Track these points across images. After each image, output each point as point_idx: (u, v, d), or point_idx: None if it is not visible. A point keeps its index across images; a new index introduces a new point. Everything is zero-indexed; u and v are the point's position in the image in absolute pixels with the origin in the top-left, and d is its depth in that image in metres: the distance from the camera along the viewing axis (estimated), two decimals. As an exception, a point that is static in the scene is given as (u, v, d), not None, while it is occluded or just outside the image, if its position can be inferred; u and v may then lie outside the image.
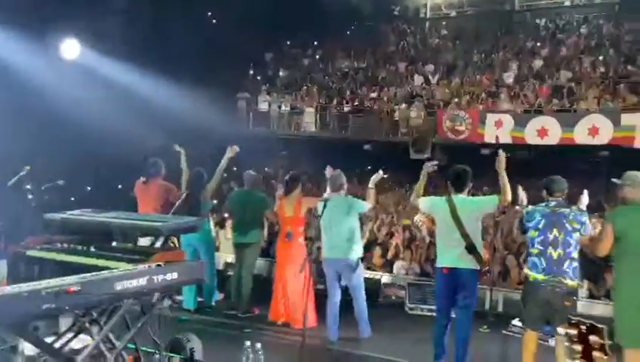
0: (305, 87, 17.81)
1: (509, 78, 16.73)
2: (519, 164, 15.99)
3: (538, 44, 18.21)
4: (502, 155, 4.32)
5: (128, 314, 3.03)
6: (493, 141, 15.01)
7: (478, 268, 4.38)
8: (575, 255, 3.96)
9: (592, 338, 1.28)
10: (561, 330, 1.38)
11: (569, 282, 3.92)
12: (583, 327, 1.28)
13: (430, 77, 17.80)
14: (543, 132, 14.49)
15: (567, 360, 1.33)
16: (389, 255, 8.19)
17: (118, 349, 2.90)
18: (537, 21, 19.96)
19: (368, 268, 8.04)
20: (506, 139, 14.86)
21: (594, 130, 13.91)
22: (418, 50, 19.82)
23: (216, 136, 6.09)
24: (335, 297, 5.11)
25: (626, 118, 13.68)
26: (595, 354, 1.25)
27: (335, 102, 16.95)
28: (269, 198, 6.06)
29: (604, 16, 18.86)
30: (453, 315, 4.50)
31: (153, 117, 12.13)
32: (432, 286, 6.15)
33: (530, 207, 4.27)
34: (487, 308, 6.41)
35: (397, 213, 11.77)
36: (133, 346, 3.24)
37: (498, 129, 15.02)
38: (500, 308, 6.47)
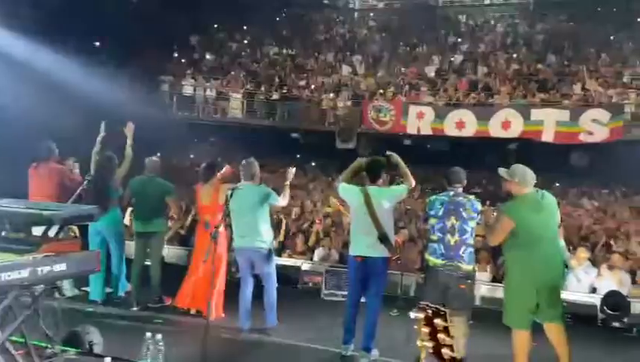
0: (232, 73, 17.48)
1: (431, 71, 17.35)
2: (439, 155, 16.88)
3: (459, 39, 19.00)
4: (394, 156, 4.54)
5: (19, 306, 2.87)
6: (415, 132, 15.61)
7: (389, 256, 4.55)
8: (471, 241, 4.21)
9: (437, 321, 1.37)
10: (412, 314, 1.47)
11: (465, 266, 4.17)
12: (430, 311, 1.37)
13: (357, 67, 18.06)
14: (460, 124, 15.18)
15: (418, 342, 1.42)
16: (311, 242, 8.31)
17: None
18: (459, 17, 20.80)
19: (290, 256, 8.14)
20: (427, 130, 15.48)
21: (506, 123, 14.78)
22: (346, 40, 20.03)
23: (137, 120, 5.81)
24: (247, 286, 5.10)
25: (535, 113, 14.66)
26: (440, 335, 1.34)
27: (263, 89, 16.78)
28: (171, 185, 5.88)
29: (519, 16, 19.99)
30: (364, 300, 4.66)
31: (67, 98, 11.41)
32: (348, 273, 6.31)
33: (433, 196, 4.48)
34: (399, 292, 6.68)
35: (321, 201, 11.94)
36: (23, 340, 3.07)
37: (420, 120, 15.56)
38: (412, 293, 6.76)
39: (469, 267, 4.19)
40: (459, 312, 4.19)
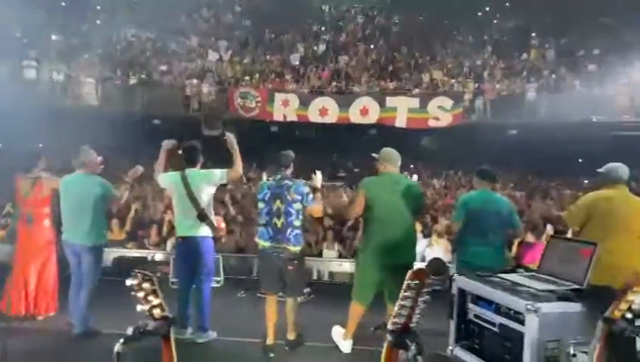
0: (85, 57, 16.21)
1: (295, 59, 17.73)
2: (307, 141, 17.41)
3: (323, 28, 19.61)
4: (230, 136, 4.61)
5: None
6: (282, 119, 15.90)
7: (212, 235, 4.62)
8: (297, 223, 4.31)
9: (145, 285, 1.50)
10: (127, 281, 1.58)
11: (291, 248, 4.30)
12: (139, 277, 1.50)
13: (223, 53, 17.82)
14: (324, 111, 15.77)
15: (138, 306, 1.54)
16: (165, 232, 8.13)
17: None
18: (323, 7, 21.44)
19: (141, 246, 7.90)
20: (292, 117, 15.85)
21: (365, 110, 15.68)
22: (211, 24, 19.62)
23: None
24: (77, 284, 4.84)
25: (390, 101, 15.75)
26: (149, 297, 1.48)
27: (119, 73, 15.82)
28: None
29: (377, 8, 21.16)
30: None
31: None
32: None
33: (262, 181, 4.61)
34: (246, 276, 6.84)
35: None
36: None
37: (285, 107, 15.87)
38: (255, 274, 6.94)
39: (297, 248, 4.31)
40: (290, 293, 4.44)
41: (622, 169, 4.11)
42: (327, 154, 20.08)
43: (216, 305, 4.90)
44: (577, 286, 2.40)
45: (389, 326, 1.52)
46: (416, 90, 16.10)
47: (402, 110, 15.65)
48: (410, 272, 1.52)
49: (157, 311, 1.45)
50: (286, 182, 4.32)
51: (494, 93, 15.53)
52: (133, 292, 1.53)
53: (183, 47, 17.99)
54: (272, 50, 18.14)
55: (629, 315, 1.72)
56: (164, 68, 16.60)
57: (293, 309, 4.47)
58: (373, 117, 15.72)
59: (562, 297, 2.30)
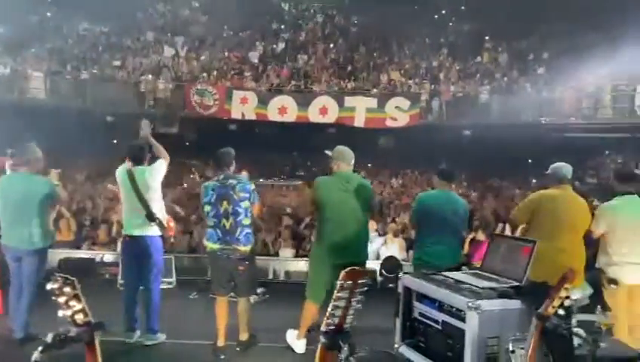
0: (33, 50, 15.53)
1: (254, 57, 17.57)
2: (267, 140, 17.30)
3: (282, 27, 19.51)
4: (145, 123, 4.51)
5: None
6: (240, 117, 15.74)
7: (161, 234, 4.50)
8: (246, 222, 4.25)
9: (66, 289, 1.43)
10: (48, 286, 1.50)
11: (241, 248, 4.23)
12: (59, 281, 1.43)
13: (179, 49, 17.46)
14: (283, 110, 15.70)
15: (59, 312, 1.47)
16: (114, 232, 7.89)
17: None
18: (282, 5, 21.34)
19: (91, 247, 7.64)
20: (251, 115, 15.70)
21: (324, 109, 15.71)
22: (167, 19, 19.19)
23: None
24: (15, 290, 4.60)
25: (348, 101, 15.85)
26: (71, 302, 1.41)
27: (69, 67, 15.24)
28: None
29: (336, 8, 21.24)
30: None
31: None
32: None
33: (206, 183, 4.50)
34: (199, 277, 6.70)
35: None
36: None
37: (244, 105, 15.70)
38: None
39: (247, 248, 4.25)
40: (241, 293, 4.37)
41: (565, 168, 4.26)
42: (287, 153, 20.04)
43: (167, 306, 4.78)
44: (517, 284, 2.46)
45: (322, 328, 1.51)
46: (375, 91, 16.27)
47: (361, 110, 15.78)
48: (343, 273, 1.51)
49: (79, 317, 1.38)
50: (231, 181, 4.23)
51: (450, 94, 15.88)
52: (54, 297, 1.45)
53: (137, 42, 17.51)
54: (230, 48, 17.90)
55: (561, 312, 1.77)
56: (117, 63, 16.11)
57: (246, 309, 4.41)
58: (332, 116, 15.78)
59: (502, 294, 2.35)
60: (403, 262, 6.99)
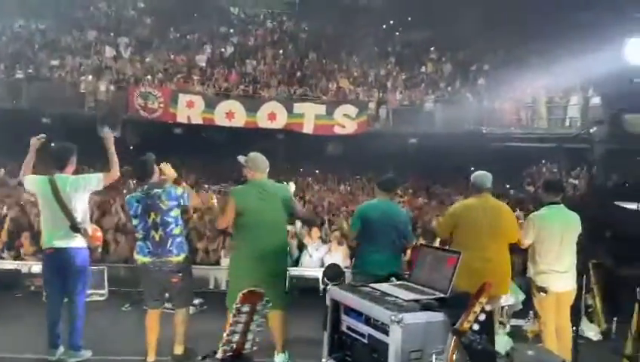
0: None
1: (202, 60, 17.24)
2: (215, 145, 16.95)
3: (231, 30, 19.28)
4: (108, 134, 4.27)
5: None
6: (186, 121, 15.36)
7: (86, 246, 4.27)
8: (177, 231, 4.11)
9: None
10: None
11: (174, 259, 4.08)
12: None
13: (123, 50, 16.88)
14: (230, 115, 15.47)
15: None
16: (42, 241, 7.44)
17: None
18: (232, 9, 21.11)
19: (17, 258, 7.18)
20: (197, 119, 15.38)
21: (272, 115, 15.60)
22: (111, 19, 18.54)
23: None
24: None
25: (297, 107, 15.82)
26: None
27: (3, 66, 14.41)
28: None
29: (286, 14, 21.23)
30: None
31: None
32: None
33: (129, 195, 4.28)
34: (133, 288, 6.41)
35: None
36: None
37: (190, 109, 15.35)
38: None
39: (180, 258, 4.11)
40: (178, 304, 4.21)
41: (485, 177, 4.32)
42: (235, 159, 19.69)
43: (96, 320, 4.64)
44: (442, 295, 2.47)
45: (219, 355, 1.42)
46: (324, 98, 16.32)
47: (309, 116, 15.78)
48: (240, 295, 1.43)
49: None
50: (155, 191, 4.06)
51: (397, 103, 16.16)
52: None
53: (77, 41, 16.79)
54: (176, 50, 17.49)
55: (476, 326, 1.77)
56: (55, 62, 15.38)
57: (183, 321, 4.23)
58: (280, 122, 15.69)
59: (426, 307, 2.34)
60: (346, 270, 6.97)
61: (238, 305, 1.39)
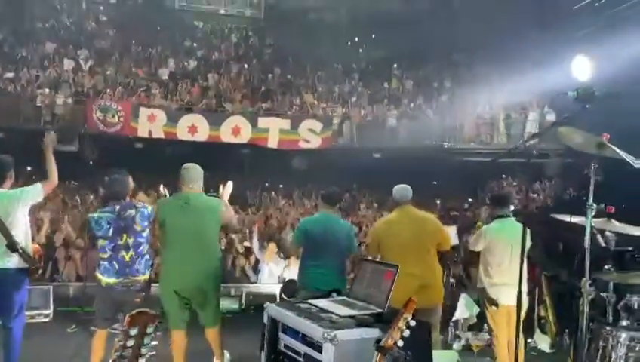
0: None
1: (164, 74, 17.00)
2: (177, 159, 16.67)
3: (195, 44, 19.13)
4: (48, 140, 4.12)
5: None
6: (147, 135, 15.05)
7: (27, 266, 4.06)
8: (145, 250, 4.01)
9: None
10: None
11: (141, 277, 3.97)
12: None
13: (82, 63, 16.50)
14: (193, 129, 15.23)
15: None
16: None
17: None
18: (195, 23, 20.97)
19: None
20: (159, 133, 15.07)
21: (236, 129, 15.46)
22: (71, 31, 18.13)
23: None
24: None
25: (262, 121, 15.73)
26: None
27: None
28: None
29: (251, 29, 21.24)
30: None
31: None
32: None
33: (96, 214, 4.13)
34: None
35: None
36: None
37: (151, 123, 15.06)
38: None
39: (145, 276, 4.01)
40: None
41: (404, 190, 4.33)
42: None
43: (39, 342, 4.45)
44: (378, 310, 2.42)
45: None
46: (288, 112, 16.30)
47: (274, 131, 15.71)
48: (127, 318, 1.33)
49: None
50: (129, 212, 3.94)
51: (360, 118, 16.27)
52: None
53: (34, 53, 16.33)
54: (138, 63, 17.20)
55: (400, 343, 1.72)
56: (10, 75, 14.89)
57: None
58: (245, 136, 15.55)
59: (361, 323, 2.29)
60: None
61: (125, 328, 1.29)
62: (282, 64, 18.88)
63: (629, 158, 2.53)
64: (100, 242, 3.95)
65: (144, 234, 3.99)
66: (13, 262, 3.96)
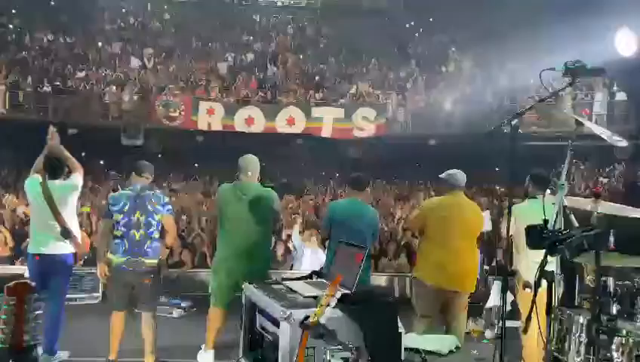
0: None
1: (223, 68, 17.53)
2: (234, 150, 17.16)
3: (252, 38, 19.53)
4: (52, 130, 4.40)
5: None
6: (207, 128, 15.64)
7: (75, 251, 4.38)
8: (156, 235, 4.18)
9: None
10: None
11: (149, 261, 4.12)
12: None
13: (147, 61, 17.39)
14: (250, 120, 15.64)
15: None
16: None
17: None
18: (254, 17, 21.38)
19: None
20: (217, 126, 15.61)
21: (291, 120, 15.66)
22: (137, 31, 19.14)
23: None
24: None
25: (316, 111, 15.83)
26: None
27: (30, 80, 15.09)
28: None
29: (308, 19, 21.31)
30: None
31: None
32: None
33: (117, 192, 4.39)
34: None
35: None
36: None
37: (210, 116, 15.62)
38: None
39: (154, 261, 4.16)
40: (145, 307, 4.21)
41: (459, 175, 4.25)
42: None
43: (90, 321, 4.88)
44: (346, 291, 2.38)
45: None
46: (342, 101, 16.26)
47: (328, 120, 15.77)
48: (5, 288, 1.41)
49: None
50: (147, 192, 4.18)
51: (416, 104, 15.90)
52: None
53: (103, 53, 17.42)
54: (198, 59, 17.86)
55: (322, 320, 1.69)
56: (81, 74, 16.00)
57: (152, 327, 4.18)
58: (299, 126, 15.74)
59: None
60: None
61: (7, 298, 1.38)
62: (337, 53, 18.83)
63: (605, 135, 2.31)
64: (116, 216, 4.13)
65: (156, 217, 4.15)
66: (65, 247, 4.28)
